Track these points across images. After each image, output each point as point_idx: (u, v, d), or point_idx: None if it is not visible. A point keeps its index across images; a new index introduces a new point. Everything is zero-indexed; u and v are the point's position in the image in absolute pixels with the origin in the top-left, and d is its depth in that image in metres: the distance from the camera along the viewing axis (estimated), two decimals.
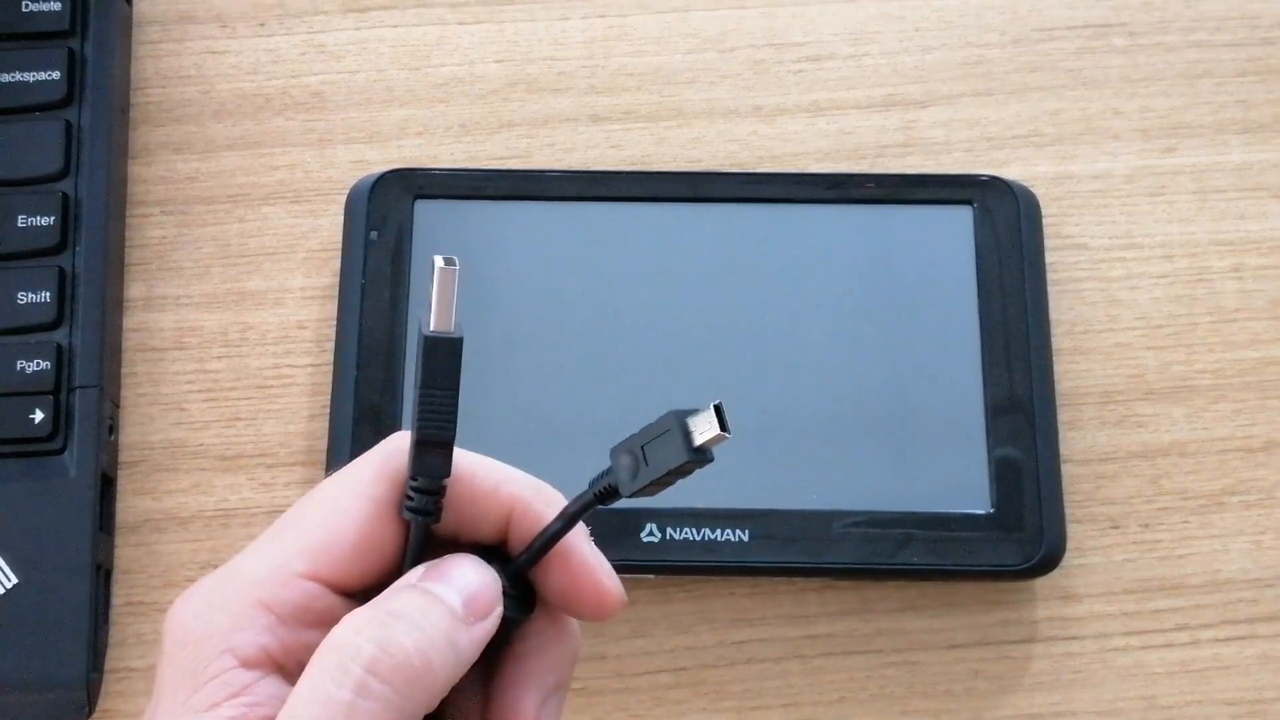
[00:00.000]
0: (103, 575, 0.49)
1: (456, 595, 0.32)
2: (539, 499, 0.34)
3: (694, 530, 0.48)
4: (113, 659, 0.49)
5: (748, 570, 0.49)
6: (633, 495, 0.32)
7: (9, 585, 0.47)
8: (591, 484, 0.33)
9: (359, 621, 0.31)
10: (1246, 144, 0.55)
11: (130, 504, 0.50)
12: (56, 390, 0.49)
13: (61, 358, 0.50)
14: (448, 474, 0.33)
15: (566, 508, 0.33)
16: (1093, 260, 0.54)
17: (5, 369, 0.49)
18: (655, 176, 0.53)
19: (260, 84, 0.56)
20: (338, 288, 0.51)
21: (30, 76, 0.53)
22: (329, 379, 0.51)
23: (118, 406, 0.51)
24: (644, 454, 0.32)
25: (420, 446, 0.32)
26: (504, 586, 0.33)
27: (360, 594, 0.33)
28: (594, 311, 0.51)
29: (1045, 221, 0.53)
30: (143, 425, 0.51)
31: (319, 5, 0.57)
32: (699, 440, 0.31)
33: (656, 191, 0.53)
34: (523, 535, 0.34)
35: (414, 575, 0.33)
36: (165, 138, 0.55)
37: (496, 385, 0.50)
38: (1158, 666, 0.49)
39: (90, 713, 0.48)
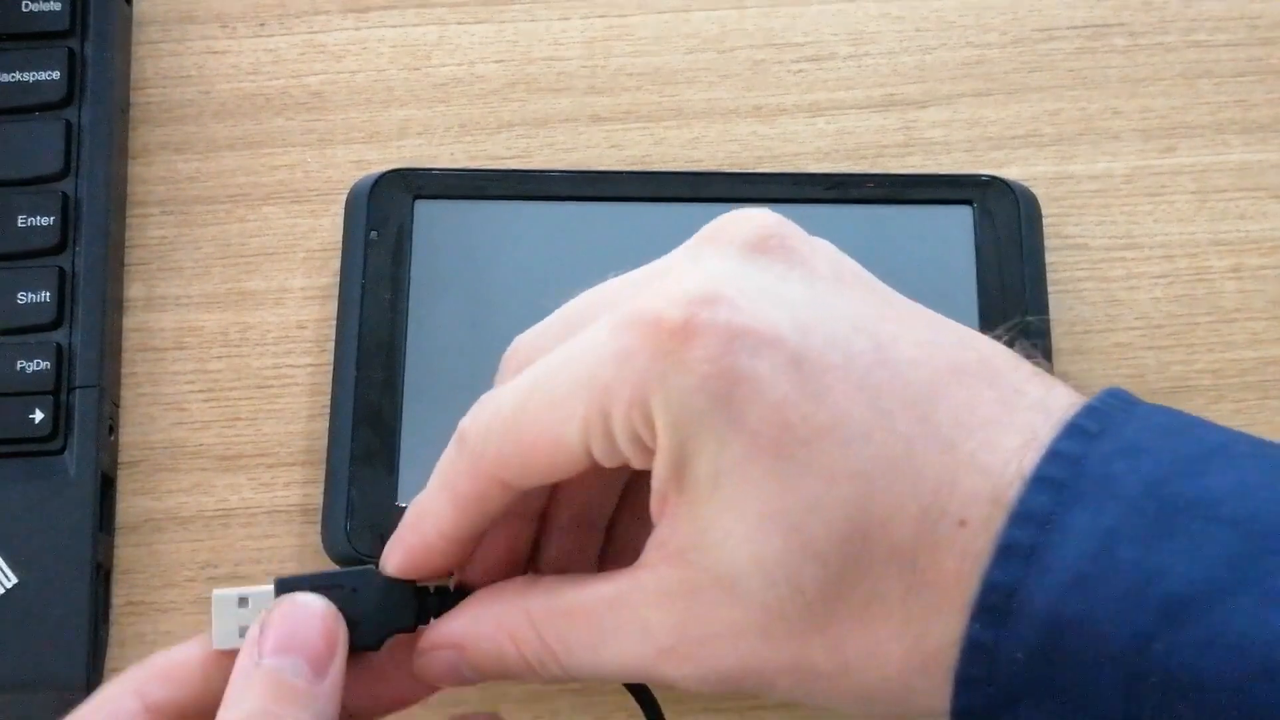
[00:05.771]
0: (103, 575, 0.49)
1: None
2: None
3: None
4: (113, 659, 0.49)
5: None
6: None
7: (9, 585, 0.47)
8: None
9: None
10: (1246, 144, 0.55)
11: (130, 504, 0.50)
12: (56, 390, 0.49)
13: (61, 357, 0.50)
14: None
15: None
16: (1092, 260, 0.54)
17: (5, 369, 0.49)
18: (655, 176, 0.53)
19: (260, 84, 0.56)
20: (338, 288, 0.51)
21: (30, 76, 0.53)
22: (329, 379, 0.50)
23: (118, 406, 0.51)
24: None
25: None
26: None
27: None
28: None
29: (1045, 221, 0.53)
30: (143, 425, 0.51)
31: (319, 5, 0.57)
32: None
33: (656, 191, 0.53)
34: None
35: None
36: (165, 137, 0.55)
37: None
38: None
39: None
